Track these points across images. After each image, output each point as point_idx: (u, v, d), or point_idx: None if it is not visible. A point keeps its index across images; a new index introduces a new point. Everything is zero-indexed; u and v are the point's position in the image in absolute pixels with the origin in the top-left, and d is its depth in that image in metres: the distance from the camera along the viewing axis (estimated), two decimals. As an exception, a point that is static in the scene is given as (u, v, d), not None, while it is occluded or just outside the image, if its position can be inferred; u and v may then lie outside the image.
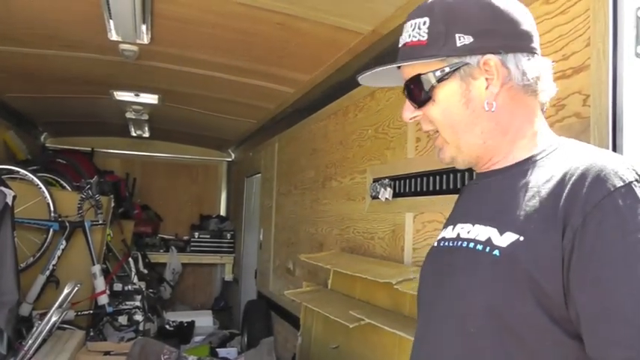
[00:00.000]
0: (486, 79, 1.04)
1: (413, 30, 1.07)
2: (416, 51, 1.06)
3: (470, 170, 2.09)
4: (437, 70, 1.05)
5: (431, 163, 2.41)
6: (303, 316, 3.54)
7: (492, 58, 1.03)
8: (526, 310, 0.91)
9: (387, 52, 2.70)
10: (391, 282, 2.19)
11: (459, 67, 1.04)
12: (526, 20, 1.08)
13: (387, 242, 2.79)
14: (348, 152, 3.42)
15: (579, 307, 0.88)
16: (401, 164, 2.70)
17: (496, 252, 0.96)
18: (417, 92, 1.08)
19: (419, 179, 2.52)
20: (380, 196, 2.79)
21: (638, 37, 1.29)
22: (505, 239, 0.95)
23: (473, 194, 1.18)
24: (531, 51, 1.07)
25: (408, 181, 2.62)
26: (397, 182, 2.71)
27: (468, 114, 1.06)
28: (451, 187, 2.25)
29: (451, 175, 2.26)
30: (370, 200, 2.98)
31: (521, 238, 0.93)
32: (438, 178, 2.36)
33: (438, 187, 2.36)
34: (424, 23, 1.05)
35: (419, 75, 1.07)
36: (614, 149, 1.29)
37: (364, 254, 3.04)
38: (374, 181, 2.93)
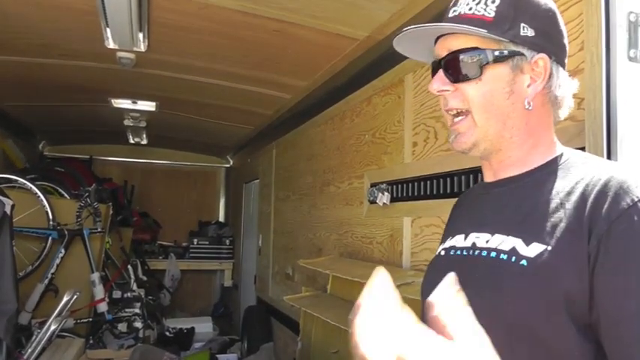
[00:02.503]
0: (531, 77, 1.05)
1: (477, 4, 1.05)
2: (477, 24, 1.04)
3: (468, 174, 2.11)
4: (496, 49, 1.03)
5: (428, 168, 2.42)
6: (302, 321, 3.54)
7: (545, 59, 1.05)
8: (555, 318, 0.91)
9: (384, 56, 2.72)
10: (390, 286, 2.19)
11: (514, 55, 1.04)
12: (567, 36, 1.11)
13: (386, 247, 2.80)
14: (346, 157, 3.43)
15: (603, 314, 0.88)
16: (398, 169, 2.71)
17: (523, 262, 0.95)
18: (465, 65, 1.05)
19: (416, 184, 2.53)
20: (378, 201, 2.80)
21: (631, 41, 1.30)
22: (532, 249, 0.95)
23: (485, 203, 1.14)
24: (565, 67, 1.10)
25: (405, 185, 2.63)
26: (395, 187, 2.72)
27: (507, 104, 1.04)
28: (448, 191, 2.26)
29: (448, 180, 2.27)
30: (368, 205, 2.99)
31: (549, 248, 0.93)
32: (435, 182, 2.37)
33: (435, 192, 2.37)
34: (493, 1, 1.04)
35: (475, 48, 1.04)
36: (609, 151, 1.30)
37: (363, 259, 3.04)
38: (371, 186, 2.94)
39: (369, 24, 2.63)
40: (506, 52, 1.03)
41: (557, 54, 1.07)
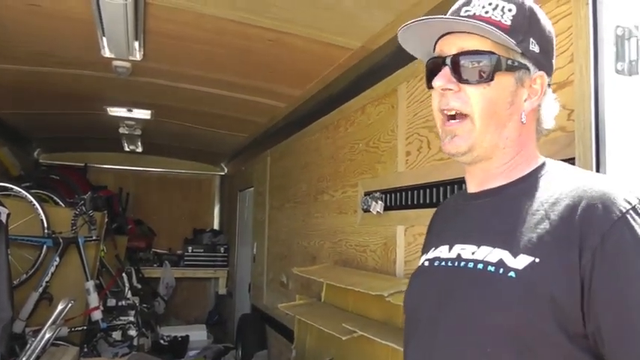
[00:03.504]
0: (528, 92, 1.06)
1: (494, 9, 1.04)
2: (494, 28, 1.02)
3: (460, 183, 2.13)
4: (509, 58, 1.03)
5: (421, 177, 2.45)
6: (296, 329, 3.55)
7: (543, 77, 1.07)
8: (544, 328, 0.92)
9: (377, 66, 2.75)
10: (383, 294, 2.21)
11: (521, 68, 1.04)
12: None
13: (379, 255, 2.82)
14: (340, 166, 3.45)
15: (603, 325, 0.89)
16: (391, 178, 2.73)
17: (511, 274, 0.95)
18: (478, 67, 1.03)
19: (409, 192, 2.55)
20: (371, 210, 2.81)
21: (618, 54, 1.33)
22: (520, 261, 0.95)
23: (469, 215, 1.14)
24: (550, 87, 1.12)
25: (398, 194, 2.65)
26: (388, 195, 2.74)
27: (507, 115, 1.05)
28: (441, 200, 2.27)
29: (441, 189, 2.29)
30: (362, 213, 3.01)
31: (537, 260, 0.94)
32: (428, 191, 2.39)
33: (428, 200, 2.39)
34: (510, 10, 1.03)
35: (492, 52, 1.02)
36: (597, 162, 1.33)
37: (357, 267, 3.05)
38: (365, 195, 2.95)
39: (362, 34, 2.66)
40: (516, 63, 1.03)
41: (550, 75, 1.10)
